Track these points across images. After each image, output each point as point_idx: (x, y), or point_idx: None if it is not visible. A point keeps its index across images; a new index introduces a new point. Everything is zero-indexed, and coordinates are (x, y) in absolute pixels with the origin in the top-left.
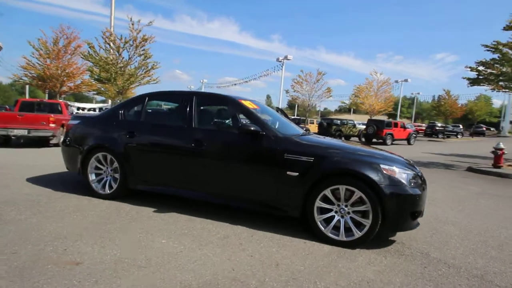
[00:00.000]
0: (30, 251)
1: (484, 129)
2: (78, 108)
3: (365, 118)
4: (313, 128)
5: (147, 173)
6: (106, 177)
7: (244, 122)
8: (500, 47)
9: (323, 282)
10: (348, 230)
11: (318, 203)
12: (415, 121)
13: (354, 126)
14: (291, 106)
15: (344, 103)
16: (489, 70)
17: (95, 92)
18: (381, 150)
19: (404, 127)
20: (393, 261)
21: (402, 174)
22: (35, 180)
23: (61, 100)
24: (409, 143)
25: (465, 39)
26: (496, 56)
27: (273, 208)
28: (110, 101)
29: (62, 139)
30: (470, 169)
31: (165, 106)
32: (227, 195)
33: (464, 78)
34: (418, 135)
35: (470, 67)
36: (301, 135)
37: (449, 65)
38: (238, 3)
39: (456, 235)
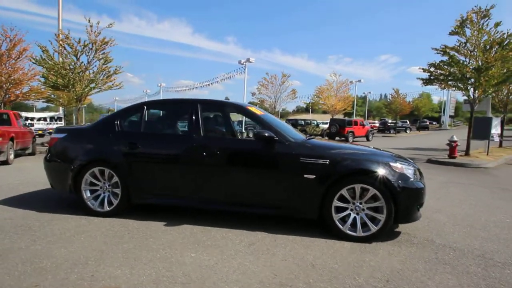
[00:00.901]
0: (54, 282)
1: (428, 123)
2: (26, 118)
3: (322, 118)
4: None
5: (155, 186)
6: (103, 193)
7: (257, 129)
8: (448, 50)
9: (361, 277)
10: (363, 226)
11: (336, 202)
12: (367, 119)
13: (317, 125)
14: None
15: (306, 103)
16: (439, 71)
17: (44, 100)
18: (374, 147)
19: (363, 125)
20: (408, 250)
21: (408, 170)
22: (8, 202)
23: (9, 110)
24: (367, 140)
25: (404, 42)
26: (444, 58)
27: (291, 211)
28: (61, 109)
29: (46, 154)
30: (430, 161)
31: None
32: (243, 202)
33: (418, 79)
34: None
35: (423, 69)
36: (308, 139)
37: (392, 66)
38: (189, 4)
39: (446, 221)
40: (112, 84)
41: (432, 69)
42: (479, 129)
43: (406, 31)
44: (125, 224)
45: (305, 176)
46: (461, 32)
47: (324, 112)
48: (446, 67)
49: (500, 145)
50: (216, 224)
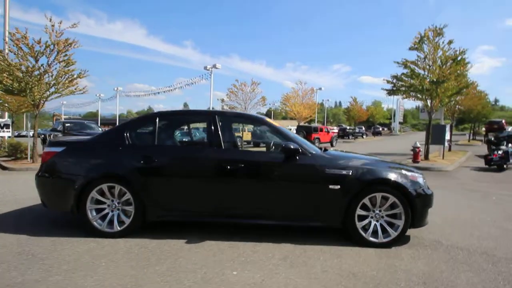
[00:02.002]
0: None
1: (381, 129)
2: None
3: (285, 124)
4: (249, 136)
5: (174, 202)
6: (112, 211)
7: (279, 141)
8: (409, 64)
9: (402, 282)
10: (383, 232)
11: (359, 211)
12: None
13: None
14: None
15: (272, 110)
16: (400, 83)
17: None
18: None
19: (327, 131)
20: (426, 252)
21: (420, 178)
22: None
23: None
24: (332, 145)
25: (356, 52)
26: (405, 71)
27: (315, 221)
28: (7, 114)
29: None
30: None
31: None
32: (269, 215)
33: (382, 89)
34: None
35: (387, 80)
36: (325, 150)
37: (344, 75)
38: (143, 4)
39: (442, 223)
40: (75, 89)
41: (394, 80)
42: (436, 136)
43: (358, 43)
44: (142, 244)
45: (330, 187)
46: (419, 48)
47: (291, 118)
48: (407, 79)
49: (450, 149)
50: (238, 239)
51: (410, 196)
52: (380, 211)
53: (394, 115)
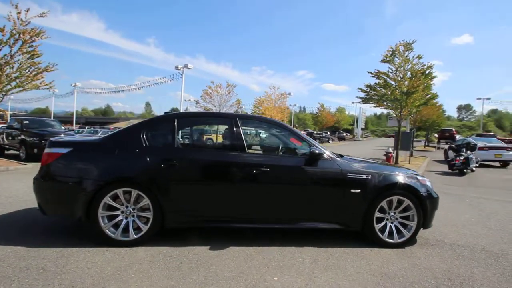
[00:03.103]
0: None
1: (345, 134)
2: None
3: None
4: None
5: (197, 208)
6: (126, 218)
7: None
8: (381, 74)
9: (431, 279)
10: (398, 233)
11: (377, 214)
12: None
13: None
14: None
15: (243, 113)
16: (373, 92)
17: None
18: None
19: None
20: (436, 251)
21: (428, 182)
22: None
23: None
24: None
25: (318, 59)
26: (377, 81)
27: (336, 223)
28: None
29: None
30: None
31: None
32: (292, 219)
33: (357, 97)
34: None
35: (361, 89)
36: (340, 156)
37: (308, 81)
38: None
39: (436, 223)
40: (40, 83)
41: (368, 89)
42: (403, 142)
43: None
44: (164, 252)
45: (352, 191)
46: (391, 60)
47: None
48: (379, 89)
49: (411, 155)
50: (259, 244)
51: (422, 199)
52: (394, 213)
53: (357, 122)
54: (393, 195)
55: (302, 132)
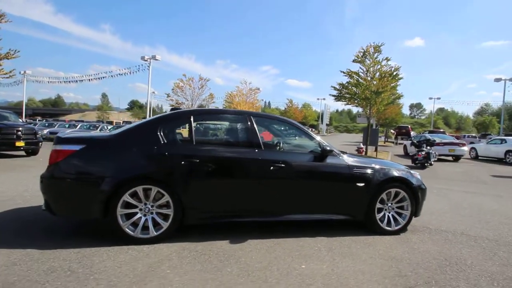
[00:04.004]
0: None
1: (311, 130)
2: None
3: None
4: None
5: (216, 204)
6: (144, 216)
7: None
8: (352, 74)
9: (431, 260)
10: (394, 221)
11: (378, 205)
12: None
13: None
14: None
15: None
16: (345, 90)
17: None
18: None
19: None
20: (426, 236)
21: (418, 176)
22: None
23: None
24: None
25: (282, 56)
26: (348, 80)
27: (344, 214)
28: None
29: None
30: None
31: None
32: (307, 211)
33: (330, 95)
34: None
35: (334, 87)
36: (343, 152)
37: (272, 76)
38: None
39: (425, 212)
40: None
41: (340, 88)
42: (372, 138)
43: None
44: (187, 248)
45: (357, 184)
46: (362, 61)
47: None
48: (351, 87)
49: (376, 150)
50: (275, 236)
51: (415, 191)
52: (391, 204)
53: (322, 117)
54: (392, 187)
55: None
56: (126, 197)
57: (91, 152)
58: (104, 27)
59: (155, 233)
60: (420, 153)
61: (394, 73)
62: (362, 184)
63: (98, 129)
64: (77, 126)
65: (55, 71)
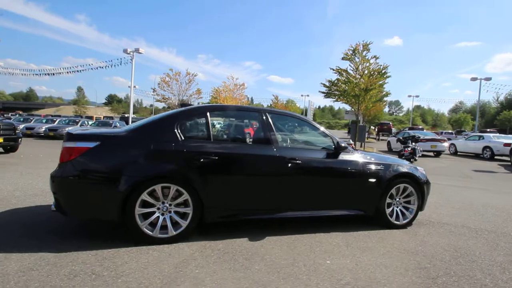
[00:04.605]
0: None
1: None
2: None
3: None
4: None
5: (236, 201)
6: (162, 215)
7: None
8: (341, 71)
9: (443, 251)
10: (402, 215)
11: (388, 200)
12: None
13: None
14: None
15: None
16: (334, 87)
17: None
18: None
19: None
20: (432, 229)
21: (423, 171)
22: None
23: None
24: None
25: (265, 51)
26: (338, 77)
27: (357, 210)
28: None
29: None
30: None
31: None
32: (322, 207)
33: (319, 92)
34: None
35: (323, 84)
36: (353, 148)
37: (255, 72)
38: None
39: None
40: None
41: (330, 85)
42: (360, 134)
43: (268, 43)
44: (208, 246)
45: (370, 180)
46: (352, 59)
47: None
48: (341, 84)
49: (362, 146)
50: (292, 232)
51: (421, 186)
52: (399, 198)
53: (306, 114)
54: (401, 183)
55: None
56: (145, 196)
57: (107, 150)
58: (80, 17)
59: (174, 232)
60: (406, 149)
61: (383, 71)
62: (374, 180)
63: (79, 124)
64: (55, 121)
65: (26, 63)
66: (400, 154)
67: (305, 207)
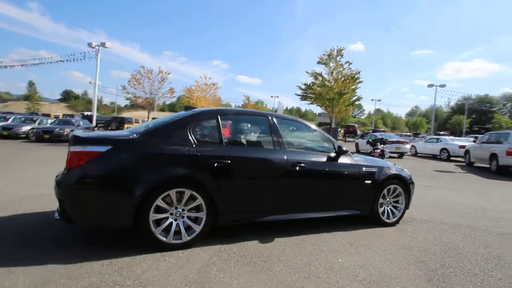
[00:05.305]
0: None
1: None
2: None
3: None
4: None
5: (247, 204)
6: (175, 220)
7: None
8: (317, 75)
9: (434, 246)
10: (392, 214)
11: (380, 200)
12: None
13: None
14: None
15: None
16: (310, 90)
17: None
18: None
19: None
20: (418, 226)
21: (408, 172)
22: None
23: None
24: None
25: (233, 51)
26: (313, 80)
27: (355, 210)
28: None
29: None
30: None
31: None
32: (326, 208)
33: (296, 94)
34: None
35: (299, 87)
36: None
37: (223, 71)
38: None
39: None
40: None
41: (305, 88)
42: (333, 136)
43: (236, 43)
44: (223, 250)
45: (366, 182)
46: (327, 63)
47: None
48: (316, 88)
49: None
50: (298, 233)
51: (408, 186)
52: (389, 198)
53: None
54: (392, 184)
55: None
56: (159, 201)
57: (120, 154)
58: (32, 5)
59: (188, 238)
60: (376, 150)
61: (355, 76)
62: (369, 182)
63: (37, 123)
64: (8, 118)
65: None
66: (370, 156)
67: (310, 208)
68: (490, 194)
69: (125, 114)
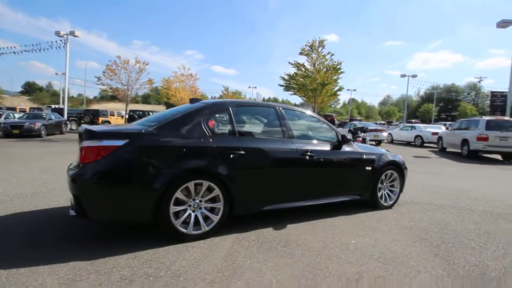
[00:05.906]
0: None
1: None
2: None
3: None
4: (120, 120)
5: (261, 194)
6: (193, 212)
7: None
8: (299, 66)
9: (430, 225)
10: (388, 197)
11: (379, 185)
12: None
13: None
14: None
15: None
16: (293, 81)
17: None
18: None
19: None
20: (411, 208)
21: (402, 158)
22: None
23: None
24: None
25: (207, 41)
26: (296, 71)
27: (357, 195)
28: None
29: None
30: None
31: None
32: (333, 193)
33: (279, 85)
34: None
35: (283, 78)
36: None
37: (197, 62)
38: None
39: None
40: None
41: (288, 78)
42: None
43: (210, 32)
44: (242, 238)
45: (366, 168)
46: (309, 54)
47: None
48: (300, 78)
49: None
50: (307, 219)
51: (402, 171)
52: (386, 183)
53: None
54: (389, 169)
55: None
56: (178, 194)
57: (138, 147)
58: None
59: (207, 228)
60: (358, 139)
61: (337, 67)
62: (369, 168)
63: (3, 117)
64: None
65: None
66: None
67: (319, 195)
68: (466, 176)
69: (95, 106)
